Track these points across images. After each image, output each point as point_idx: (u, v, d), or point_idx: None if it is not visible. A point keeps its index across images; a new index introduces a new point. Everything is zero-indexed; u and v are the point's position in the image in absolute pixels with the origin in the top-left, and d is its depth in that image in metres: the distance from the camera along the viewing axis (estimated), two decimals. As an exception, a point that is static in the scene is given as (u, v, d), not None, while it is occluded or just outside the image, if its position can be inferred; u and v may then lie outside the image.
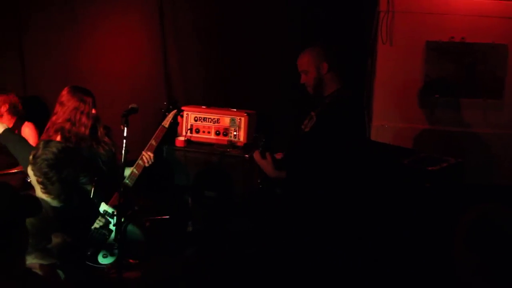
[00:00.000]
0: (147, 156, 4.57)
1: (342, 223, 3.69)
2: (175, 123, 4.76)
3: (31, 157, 3.45)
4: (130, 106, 4.22)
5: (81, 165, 3.72)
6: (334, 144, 3.63)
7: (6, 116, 5.58)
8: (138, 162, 4.58)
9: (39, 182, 3.40)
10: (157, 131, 4.66)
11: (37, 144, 3.61)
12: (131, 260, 4.32)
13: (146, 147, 4.62)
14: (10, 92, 5.58)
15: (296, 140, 4.01)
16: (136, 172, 4.55)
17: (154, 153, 4.61)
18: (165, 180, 5.30)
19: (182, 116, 4.85)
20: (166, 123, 4.69)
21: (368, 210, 4.02)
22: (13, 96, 5.58)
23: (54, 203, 3.43)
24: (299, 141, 3.95)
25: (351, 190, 3.70)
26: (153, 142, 4.63)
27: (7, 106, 5.54)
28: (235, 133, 5.51)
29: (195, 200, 5.14)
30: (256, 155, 3.83)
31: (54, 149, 3.44)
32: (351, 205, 3.72)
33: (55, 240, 3.03)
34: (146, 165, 4.57)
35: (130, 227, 4.34)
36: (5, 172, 5.15)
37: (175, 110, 4.72)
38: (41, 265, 2.82)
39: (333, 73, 3.85)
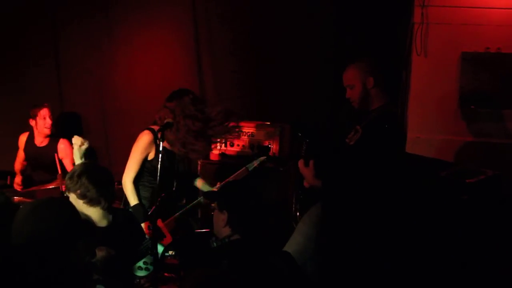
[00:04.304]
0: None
1: (382, 235, 3.67)
2: (259, 169, 4.73)
3: (68, 176, 3.51)
4: (165, 121, 4.24)
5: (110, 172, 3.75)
6: (378, 158, 3.62)
7: (36, 130, 5.69)
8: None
9: (78, 196, 3.43)
10: (239, 172, 4.65)
11: None
12: (166, 274, 4.34)
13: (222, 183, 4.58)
14: (43, 105, 5.68)
15: (340, 153, 4.00)
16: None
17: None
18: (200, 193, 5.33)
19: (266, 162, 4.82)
20: (251, 167, 4.68)
21: (407, 223, 3.99)
22: (44, 109, 5.67)
23: (102, 223, 3.49)
24: (344, 154, 3.94)
25: (391, 203, 3.68)
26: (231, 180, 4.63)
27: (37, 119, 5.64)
28: (270, 146, 5.51)
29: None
30: (300, 163, 3.83)
31: (80, 163, 3.55)
32: (390, 218, 3.70)
33: (99, 253, 3.07)
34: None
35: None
36: (44, 187, 5.23)
37: (264, 157, 4.71)
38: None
39: (379, 87, 3.83)
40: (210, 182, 4.91)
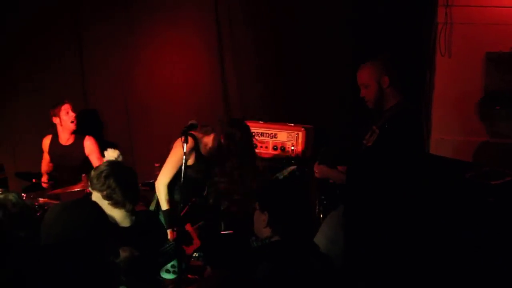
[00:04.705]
0: None
1: (405, 237, 3.65)
2: (288, 178, 4.75)
3: (95, 175, 3.52)
4: (189, 122, 4.24)
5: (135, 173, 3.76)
6: (397, 158, 3.60)
7: (60, 127, 5.74)
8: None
9: (103, 197, 3.46)
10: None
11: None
12: (190, 276, 4.35)
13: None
14: (63, 102, 5.75)
15: (358, 155, 3.97)
16: None
17: None
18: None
19: (298, 173, 4.85)
20: (280, 176, 4.69)
21: (431, 225, 3.97)
22: (65, 105, 5.73)
23: (125, 223, 3.51)
24: (362, 156, 3.90)
25: (414, 205, 3.65)
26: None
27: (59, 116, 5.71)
28: (292, 147, 5.51)
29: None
30: (324, 168, 3.81)
31: (104, 163, 3.54)
32: (413, 220, 3.68)
33: (123, 254, 3.08)
34: None
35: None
36: (69, 189, 5.26)
37: (294, 167, 4.71)
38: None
39: (394, 87, 3.78)
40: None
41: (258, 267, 2.82)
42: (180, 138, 4.50)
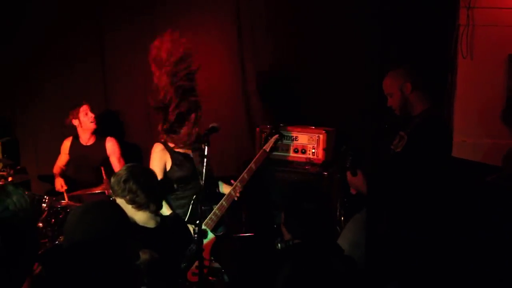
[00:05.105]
0: (237, 191, 4.60)
1: (431, 242, 3.64)
2: (275, 148, 4.75)
3: (114, 181, 3.55)
4: (210, 125, 4.25)
5: (155, 174, 3.77)
6: (427, 165, 3.61)
7: (80, 128, 5.79)
8: (230, 193, 4.62)
9: (127, 202, 3.48)
10: (257, 155, 4.67)
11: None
12: (210, 278, 4.36)
13: (245, 171, 4.64)
14: (81, 103, 5.79)
15: (387, 160, 3.98)
16: (225, 204, 4.60)
17: (251, 177, 4.63)
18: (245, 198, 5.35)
19: (282, 141, 4.83)
20: (268, 147, 4.69)
21: (454, 229, 3.95)
22: (83, 106, 5.77)
23: (150, 224, 3.54)
24: (391, 162, 3.93)
25: (440, 209, 3.65)
26: (252, 166, 4.63)
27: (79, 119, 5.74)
28: (313, 150, 5.50)
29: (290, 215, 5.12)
30: (348, 175, 3.82)
31: (123, 168, 3.56)
32: (439, 224, 3.67)
33: (143, 256, 3.10)
34: (236, 199, 4.61)
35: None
36: (90, 191, 5.29)
37: (277, 135, 4.71)
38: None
39: (418, 92, 3.83)
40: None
41: (281, 268, 2.83)
42: (156, 144, 4.58)
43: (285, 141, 5.56)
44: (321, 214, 3.12)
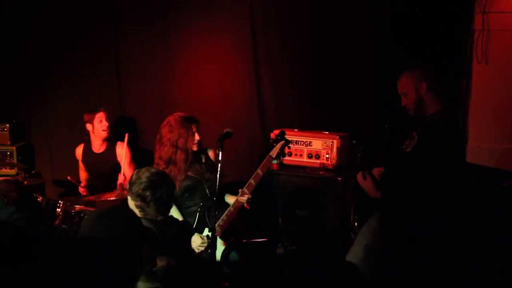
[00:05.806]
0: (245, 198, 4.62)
1: (442, 246, 3.63)
2: (281, 154, 4.76)
3: (128, 185, 3.55)
4: (225, 131, 4.27)
5: (174, 187, 3.77)
6: (435, 165, 3.61)
7: (92, 134, 5.80)
8: (237, 199, 4.65)
9: (136, 207, 3.49)
10: (264, 161, 4.66)
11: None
12: (225, 283, 4.36)
13: (252, 177, 4.65)
14: (99, 109, 5.79)
15: (397, 160, 3.98)
16: (233, 210, 4.65)
17: (258, 182, 4.65)
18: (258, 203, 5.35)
19: (289, 147, 4.86)
20: (274, 153, 4.69)
21: (467, 234, 3.93)
22: (100, 113, 5.78)
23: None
24: (400, 161, 3.94)
25: (450, 213, 3.63)
26: (259, 171, 4.64)
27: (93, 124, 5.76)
28: (327, 155, 5.49)
29: (287, 221, 5.14)
30: (359, 177, 3.83)
31: (147, 173, 3.54)
32: (449, 228, 3.65)
33: (160, 263, 3.09)
34: (245, 205, 4.63)
35: (233, 254, 4.43)
36: (104, 197, 5.28)
37: (283, 142, 4.72)
38: (146, 288, 2.90)
39: (433, 93, 3.84)
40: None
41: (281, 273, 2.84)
42: None
43: (298, 146, 5.57)
44: (314, 221, 3.12)
